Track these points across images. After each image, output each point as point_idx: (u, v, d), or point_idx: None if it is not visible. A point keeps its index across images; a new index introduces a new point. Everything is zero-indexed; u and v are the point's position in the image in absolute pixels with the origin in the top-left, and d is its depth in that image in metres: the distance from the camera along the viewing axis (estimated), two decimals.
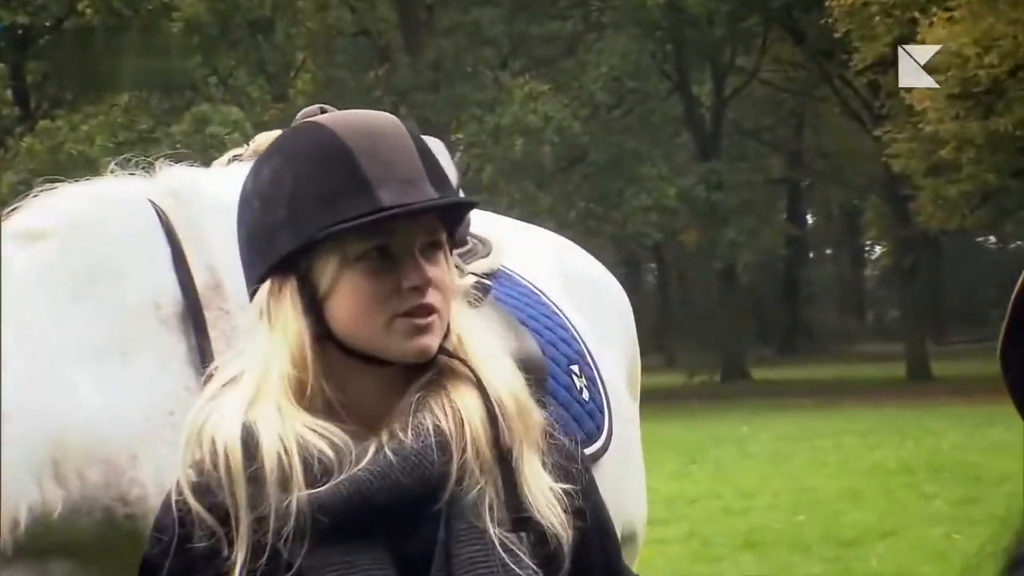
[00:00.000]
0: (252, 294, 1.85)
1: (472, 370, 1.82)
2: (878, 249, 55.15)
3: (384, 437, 1.77)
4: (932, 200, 26.72)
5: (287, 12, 30.97)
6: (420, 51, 30.71)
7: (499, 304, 2.78)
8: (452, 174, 2.92)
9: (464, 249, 2.89)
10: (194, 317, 2.35)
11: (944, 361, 32.07)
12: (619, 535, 3.01)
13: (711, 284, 38.61)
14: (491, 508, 1.76)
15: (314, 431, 1.74)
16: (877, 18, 25.38)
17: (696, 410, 24.80)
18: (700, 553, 10.20)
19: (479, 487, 1.76)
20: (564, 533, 1.80)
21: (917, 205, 28.29)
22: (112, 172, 2.51)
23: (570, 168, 32.48)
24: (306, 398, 1.77)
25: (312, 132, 1.84)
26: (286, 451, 1.72)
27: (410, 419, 1.77)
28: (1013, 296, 1.37)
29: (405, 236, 1.79)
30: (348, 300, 1.78)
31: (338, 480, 1.73)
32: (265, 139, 2.41)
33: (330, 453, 1.73)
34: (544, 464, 1.82)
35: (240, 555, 1.71)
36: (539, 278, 3.04)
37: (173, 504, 1.77)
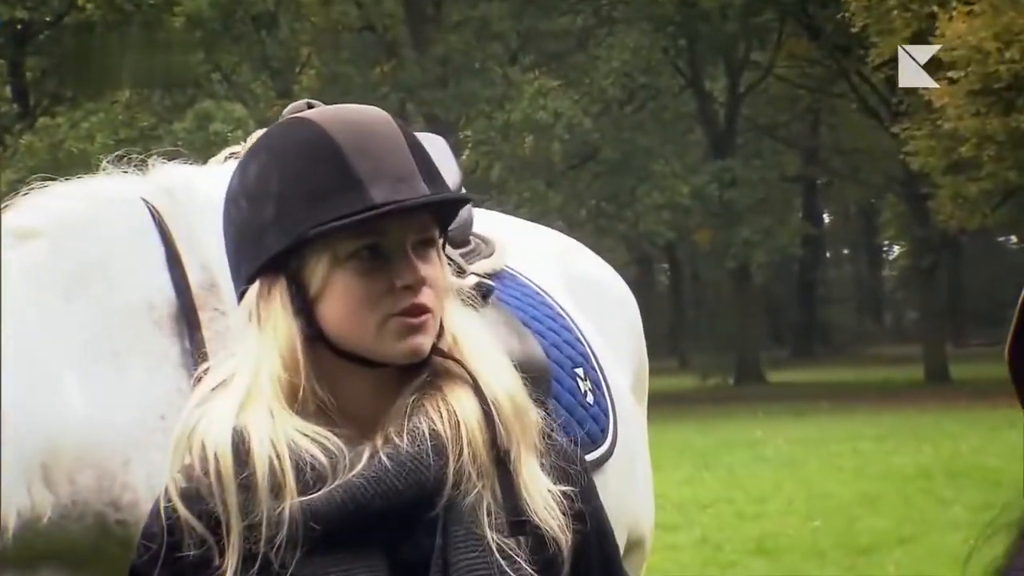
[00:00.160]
0: (240, 295, 1.84)
1: (467, 371, 1.81)
2: (896, 249, 55.09)
3: (379, 441, 1.76)
4: (951, 199, 26.67)
5: (291, 7, 30.99)
6: (427, 46, 30.72)
7: (502, 305, 2.78)
8: (454, 173, 2.92)
9: (467, 249, 2.89)
10: (188, 318, 2.34)
11: (963, 364, 31.99)
12: (625, 541, 3.02)
13: (725, 284, 38.58)
14: (489, 513, 1.76)
15: (307, 436, 1.73)
16: (895, 12, 25.34)
17: (709, 413, 24.78)
18: (712, 559, 10.18)
19: (476, 491, 1.76)
20: (563, 536, 1.79)
21: (936, 204, 28.23)
22: (104, 170, 2.51)
23: (580, 166, 32.46)
24: (298, 401, 1.76)
25: (300, 128, 1.82)
26: (278, 456, 1.71)
27: (405, 423, 1.77)
28: (1021, 299, 1.37)
29: (397, 234, 1.78)
30: (339, 300, 1.77)
31: (332, 487, 1.72)
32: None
33: (323, 459, 1.72)
34: (542, 466, 1.81)
35: (231, 564, 1.70)
36: (543, 278, 3.03)
37: (162, 511, 1.76)
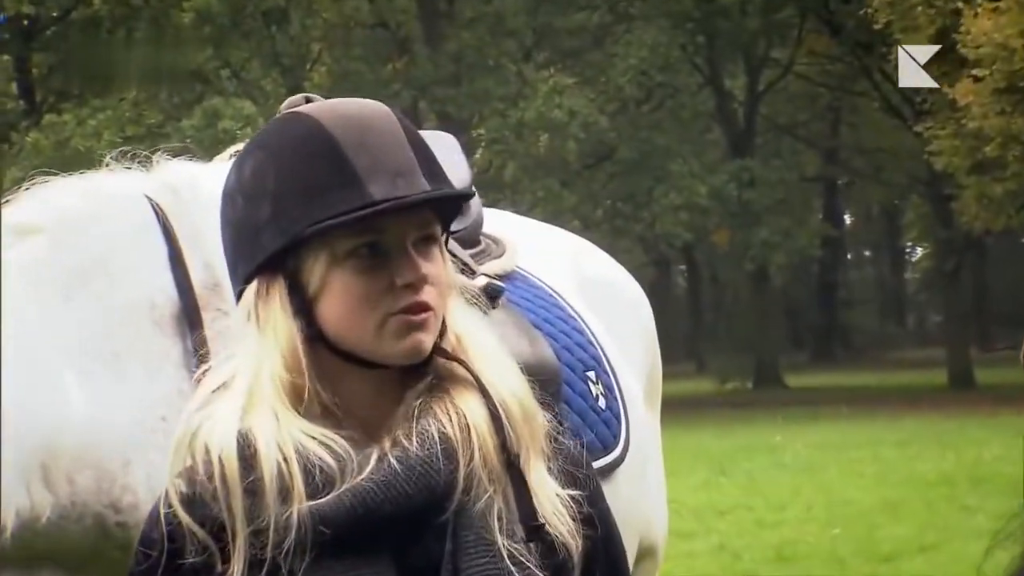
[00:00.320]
0: (238, 295, 1.83)
1: (473, 372, 1.80)
2: (919, 251, 54.97)
3: (387, 444, 1.76)
4: (976, 199, 26.59)
5: (302, 2, 31.04)
6: (440, 43, 30.74)
7: (513, 306, 2.78)
8: (464, 171, 2.92)
9: (477, 249, 2.89)
10: (190, 318, 2.34)
11: (988, 368, 31.89)
12: (637, 548, 3.02)
13: (743, 287, 38.53)
14: (499, 518, 1.75)
15: (314, 438, 1.73)
16: (919, 9, 25.28)
17: (727, 418, 24.75)
18: (730, 567, 10.17)
19: (487, 496, 1.75)
20: (573, 542, 1.79)
21: (960, 205, 28.15)
22: (108, 166, 2.50)
23: (596, 165, 32.45)
24: (303, 403, 1.76)
25: (295, 123, 1.81)
26: (285, 460, 1.71)
27: (413, 425, 1.76)
28: None
29: (397, 231, 1.77)
30: (338, 299, 1.76)
31: (341, 491, 1.71)
32: None
33: (331, 462, 1.72)
34: (550, 470, 1.81)
35: (237, 570, 1.70)
36: (555, 280, 3.03)
37: (161, 517, 1.75)
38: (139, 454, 2.26)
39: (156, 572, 1.75)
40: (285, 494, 1.70)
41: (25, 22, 32.03)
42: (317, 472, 1.71)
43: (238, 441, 1.72)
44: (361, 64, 31.60)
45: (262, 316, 1.78)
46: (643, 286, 3.42)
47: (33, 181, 2.43)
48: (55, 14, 32.44)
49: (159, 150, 2.57)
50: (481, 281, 2.70)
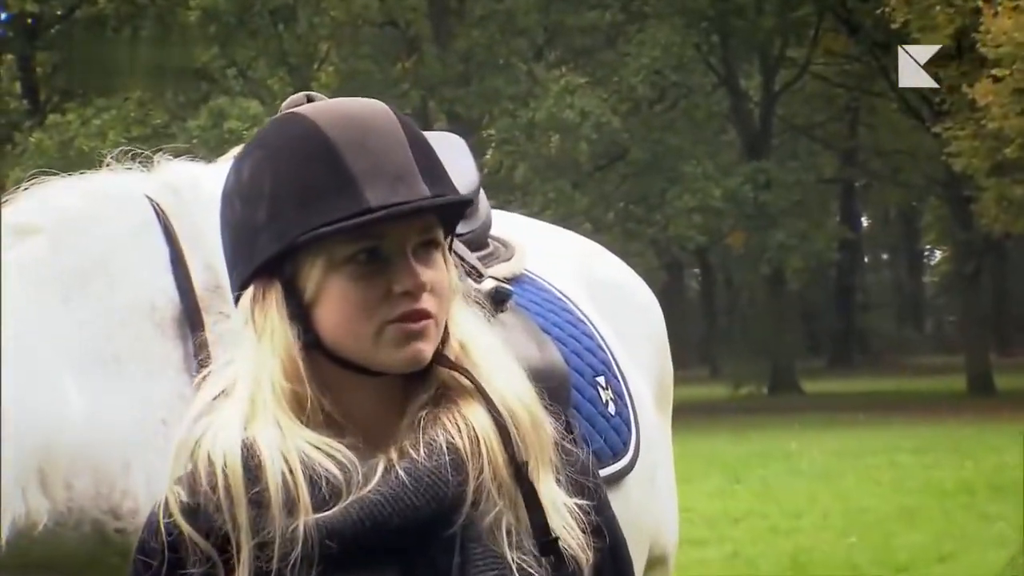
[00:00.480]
0: (236, 299, 1.83)
1: (479, 381, 1.79)
2: (938, 254, 54.91)
3: (393, 454, 1.75)
4: (996, 201, 26.56)
5: (310, 0, 31.08)
6: (450, 42, 30.77)
7: (521, 310, 2.77)
8: (472, 173, 2.92)
9: (485, 252, 2.88)
10: (191, 320, 2.33)
11: (1007, 374, 31.85)
12: (647, 555, 3.01)
13: (758, 290, 38.52)
14: (508, 531, 1.75)
15: (318, 449, 1.72)
16: (937, 8, 25.27)
17: (741, 424, 24.72)
18: (744, 575, 10.18)
19: (496, 510, 1.75)
20: (583, 555, 1.78)
21: (980, 207, 28.12)
22: (108, 166, 2.50)
23: (609, 167, 32.45)
24: (305, 412, 1.75)
25: (293, 124, 1.80)
26: (291, 471, 1.70)
27: (420, 435, 1.75)
28: None
29: (397, 237, 1.75)
30: (335, 306, 1.75)
31: (347, 503, 1.71)
32: None
33: (337, 473, 1.71)
34: (558, 480, 1.81)
35: None
36: (564, 283, 3.02)
37: (161, 527, 1.74)
38: (139, 458, 2.26)
39: None
40: (291, 506, 1.69)
41: (29, 20, 32.14)
42: (323, 483, 1.71)
43: (242, 451, 1.71)
44: (369, 63, 31.64)
45: (259, 322, 1.77)
46: (656, 289, 3.41)
47: (32, 181, 2.43)
48: (59, 12, 32.57)
49: (160, 150, 2.57)
50: (489, 284, 2.69)
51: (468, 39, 30.58)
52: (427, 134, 2.19)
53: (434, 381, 1.80)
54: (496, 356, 1.83)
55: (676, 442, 3.42)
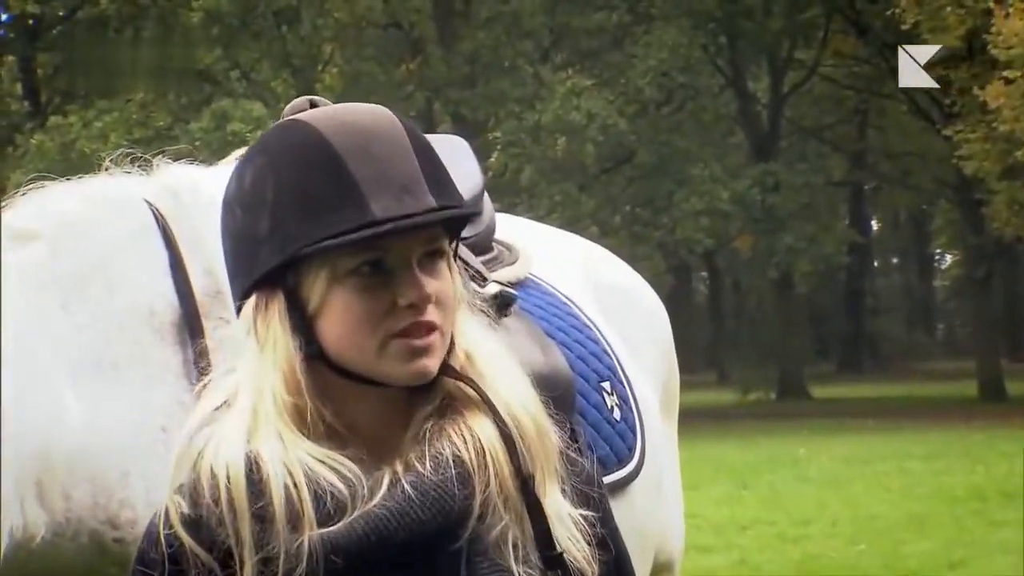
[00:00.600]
0: (238, 309, 1.81)
1: (484, 393, 1.78)
2: (948, 258, 54.85)
3: (398, 467, 1.74)
4: (1007, 205, 26.52)
5: (314, 2, 31.10)
6: (455, 43, 30.77)
7: (525, 315, 2.77)
8: (476, 176, 2.91)
9: (489, 256, 2.87)
10: (191, 326, 2.33)
11: (1019, 379, 31.83)
12: (652, 562, 3.00)
13: (767, 294, 38.46)
14: (515, 546, 1.74)
15: (323, 462, 1.71)
16: (948, 8, 25.24)
17: (749, 430, 24.71)
18: None
19: (502, 523, 1.74)
20: (589, 568, 1.78)
21: (991, 210, 28.09)
22: (107, 170, 2.50)
23: (615, 169, 32.44)
24: (307, 425, 1.74)
25: (296, 131, 1.78)
26: (295, 485, 1.69)
27: (426, 448, 1.74)
28: None
29: (401, 248, 1.74)
30: (338, 319, 1.74)
31: (353, 518, 1.70)
32: None
33: (342, 487, 1.70)
34: (563, 491, 1.80)
35: None
36: (569, 287, 3.02)
37: (162, 538, 1.73)
38: (138, 466, 2.25)
39: None
40: (295, 521, 1.68)
41: (30, 21, 32.19)
42: (328, 498, 1.70)
43: (245, 464, 1.70)
44: (374, 65, 31.65)
45: (261, 332, 1.76)
46: (663, 293, 3.41)
47: (30, 186, 2.42)
48: (61, 13, 32.61)
49: (160, 153, 2.56)
50: (493, 288, 2.68)
51: (473, 41, 30.58)
52: (430, 137, 2.18)
53: (439, 392, 1.78)
54: (501, 365, 1.81)
55: (683, 448, 3.41)
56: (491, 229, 2.95)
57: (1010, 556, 10.31)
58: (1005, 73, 22.64)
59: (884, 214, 54.87)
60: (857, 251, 41.94)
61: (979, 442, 19.64)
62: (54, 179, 2.45)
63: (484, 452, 1.74)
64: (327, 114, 1.80)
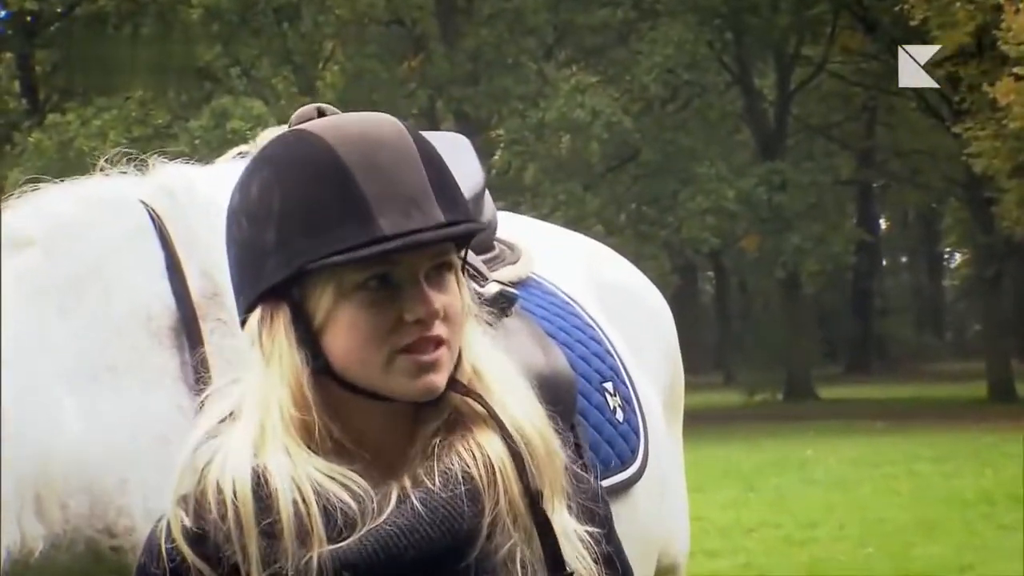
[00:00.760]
0: (243, 321, 1.81)
1: (493, 408, 1.78)
2: (958, 257, 54.80)
3: (407, 482, 1.74)
4: (1017, 203, 26.51)
5: None
6: (458, 40, 30.78)
7: (527, 314, 2.76)
8: (477, 175, 2.91)
9: (490, 255, 2.87)
10: (189, 329, 2.32)
11: None
12: (655, 566, 3.00)
13: (773, 295, 38.46)
14: (523, 565, 1.74)
15: (332, 478, 1.71)
16: (957, 5, 25.22)
17: (756, 432, 24.69)
18: None
19: (511, 542, 1.74)
20: None
21: (1001, 209, 28.07)
22: (102, 170, 2.49)
23: (620, 167, 32.44)
24: (314, 440, 1.73)
25: (303, 142, 1.77)
26: (304, 501, 1.69)
27: (435, 464, 1.74)
28: None
29: (409, 263, 1.73)
30: (345, 333, 1.73)
31: (362, 534, 1.70)
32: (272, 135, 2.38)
33: (352, 503, 1.70)
34: (569, 508, 1.80)
35: None
36: (571, 286, 3.02)
37: (163, 552, 1.72)
38: (136, 474, 2.23)
39: None
40: (303, 537, 1.68)
41: (28, 18, 32.21)
42: (338, 514, 1.69)
43: (252, 479, 1.70)
44: (375, 62, 31.64)
45: (267, 345, 1.75)
46: (668, 293, 3.40)
47: (23, 188, 2.41)
48: (59, 10, 32.64)
49: (156, 153, 2.55)
50: (494, 288, 2.68)
51: (476, 38, 30.58)
52: (431, 134, 2.17)
53: (446, 407, 1.78)
54: (509, 380, 1.81)
55: (688, 450, 3.41)
56: (493, 228, 2.95)
57: (1019, 561, 10.30)
58: (1015, 70, 22.62)
59: (893, 213, 54.83)
60: (865, 251, 41.92)
61: (989, 445, 19.63)
62: (51, 179, 2.45)
63: (494, 469, 1.74)
64: (335, 124, 1.79)
